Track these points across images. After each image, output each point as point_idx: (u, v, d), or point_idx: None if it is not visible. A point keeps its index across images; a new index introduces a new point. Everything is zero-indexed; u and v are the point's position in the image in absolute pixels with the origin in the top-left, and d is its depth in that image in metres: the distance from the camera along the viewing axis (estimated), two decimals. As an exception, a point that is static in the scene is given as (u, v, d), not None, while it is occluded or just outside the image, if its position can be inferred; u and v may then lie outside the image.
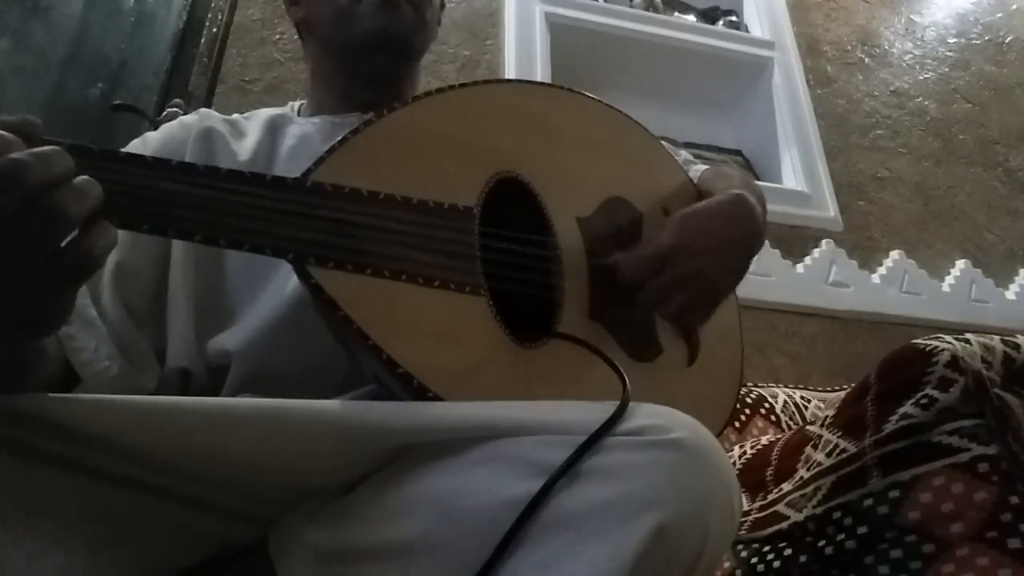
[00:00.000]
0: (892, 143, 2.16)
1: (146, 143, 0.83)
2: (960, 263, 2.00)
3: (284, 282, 0.72)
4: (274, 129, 0.85)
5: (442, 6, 0.99)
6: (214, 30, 1.71)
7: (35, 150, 0.42)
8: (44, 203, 0.42)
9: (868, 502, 0.69)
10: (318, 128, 0.85)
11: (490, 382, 0.59)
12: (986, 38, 2.46)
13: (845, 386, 1.22)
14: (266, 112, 0.89)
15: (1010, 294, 1.99)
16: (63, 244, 0.44)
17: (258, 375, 0.70)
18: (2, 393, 0.50)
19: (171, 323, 0.74)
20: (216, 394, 0.71)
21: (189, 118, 0.87)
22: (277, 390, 0.66)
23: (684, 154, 0.96)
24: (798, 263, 1.85)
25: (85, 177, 0.44)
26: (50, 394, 0.52)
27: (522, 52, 1.90)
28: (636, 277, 0.69)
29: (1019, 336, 0.74)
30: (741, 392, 1.22)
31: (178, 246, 0.76)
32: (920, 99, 2.27)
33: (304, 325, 0.68)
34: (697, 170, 0.91)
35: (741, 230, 0.74)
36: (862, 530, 0.69)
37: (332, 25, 0.86)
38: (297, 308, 0.70)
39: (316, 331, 0.63)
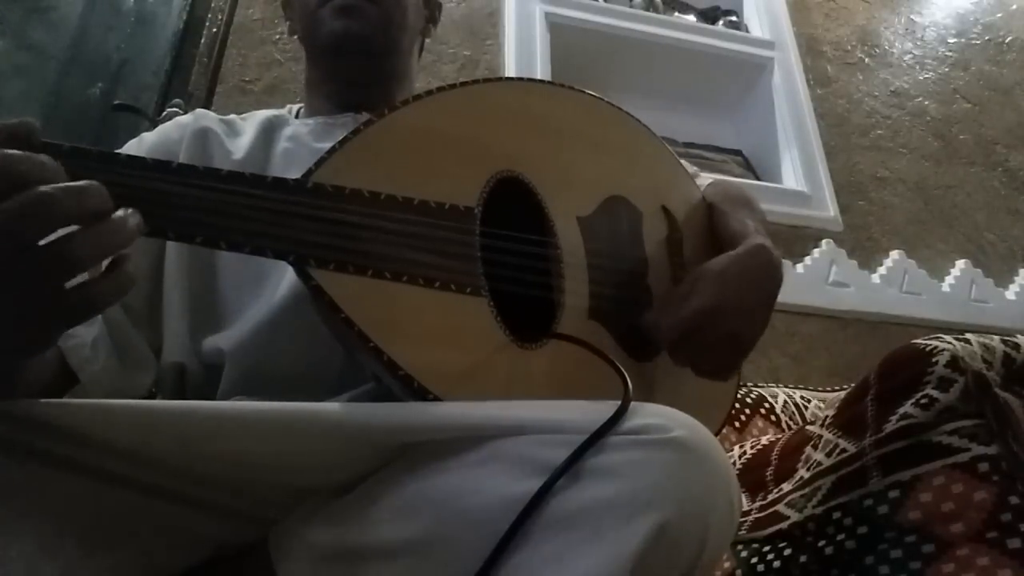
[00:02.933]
0: (892, 143, 2.16)
1: (142, 143, 0.84)
2: (960, 263, 2.00)
3: (278, 282, 0.72)
4: (269, 130, 0.86)
5: (438, 7, 0.99)
6: (214, 30, 1.71)
7: (68, 185, 0.41)
8: (41, 251, 0.40)
9: (868, 502, 0.70)
10: (312, 128, 0.86)
11: (491, 384, 0.59)
12: (986, 38, 2.46)
13: (845, 386, 1.21)
14: (263, 113, 0.90)
15: (1010, 294, 2.00)
16: (69, 285, 0.42)
17: (253, 375, 0.70)
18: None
19: (166, 320, 0.75)
20: (212, 390, 0.71)
21: (185, 118, 0.87)
22: (272, 389, 0.66)
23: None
24: (798, 263, 1.85)
25: (120, 216, 0.43)
26: (50, 400, 0.52)
27: (522, 52, 1.90)
28: (674, 337, 0.69)
29: (1019, 336, 0.74)
30: (741, 392, 1.22)
31: (172, 244, 0.76)
32: (920, 99, 2.27)
33: (298, 326, 0.68)
34: (701, 183, 0.91)
35: (770, 287, 0.75)
36: (862, 530, 0.69)
37: (305, 30, 0.89)
38: (291, 309, 0.70)
39: (310, 332, 0.63)
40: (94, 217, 0.42)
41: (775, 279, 0.76)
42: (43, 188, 0.40)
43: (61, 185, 0.41)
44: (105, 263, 0.44)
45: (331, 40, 0.84)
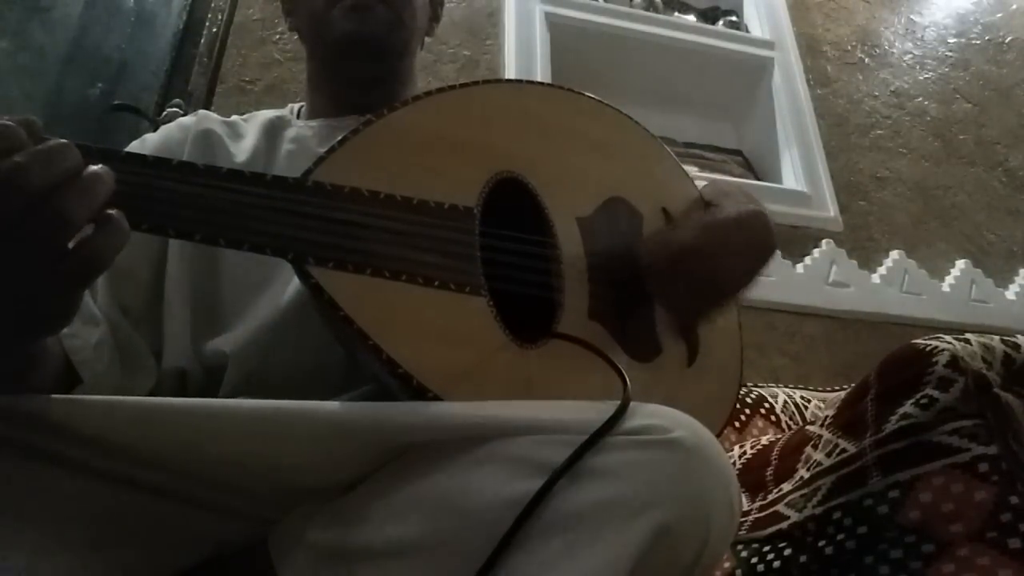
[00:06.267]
0: (892, 143, 2.16)
1: (144, 145, 0.83)
2: (960, 263, 2.00)
3: (281, 284, 0.72)
4: (272, 131, 0.86)
5: (440, 4, 0.99)
6: (214, 30, 1.71)
7: (36, 149, 0.42)
8: (46, 207, 0.41)
9: (868, 502, 0.69)
10: (315, 131, 0.85)
11: (490, 383, 0.59)
12: (986, 38, 2.46)
13: (845, 386, 1.21)
14: (264, 114, 0.89)
15: (1010, 294, 1.99)
16: (72, 244, 0.43)
17: (255, 377, 0.70)
18: (2, 394, 0.50)
19: (167, 324, 0.74)
20: (213, 394, 0.71)
21: (187, 120, 0.87)
22: (274, 391, 0.66)
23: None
24: (798, 263, 1.85)
25: (94, 170, 0.43)
26: (51, 395, 0.52)
27: (522, 52, 1.90)
28: (654, 263, 0.70)
29: (1019, 336, 0.74)
30: (741, 392, 1.22)
31: (174, 246, 0.76)
32: (920, 99, 2.27)
33: (301, 327, 0.68)
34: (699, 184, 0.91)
35: (757, 245, 0.76)
36: (862, 530, 0.69)
37: (312, 31, 0.88)
38: (294, 310, 0.70)
39: (313, 333, 0.63)
40: (68, 175, 0.42)
41: (766, 244, 0.76)
42: (14, 158, 0.41)
43: (27, 152, 0.42)
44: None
45: (342, 42, 0.84)
